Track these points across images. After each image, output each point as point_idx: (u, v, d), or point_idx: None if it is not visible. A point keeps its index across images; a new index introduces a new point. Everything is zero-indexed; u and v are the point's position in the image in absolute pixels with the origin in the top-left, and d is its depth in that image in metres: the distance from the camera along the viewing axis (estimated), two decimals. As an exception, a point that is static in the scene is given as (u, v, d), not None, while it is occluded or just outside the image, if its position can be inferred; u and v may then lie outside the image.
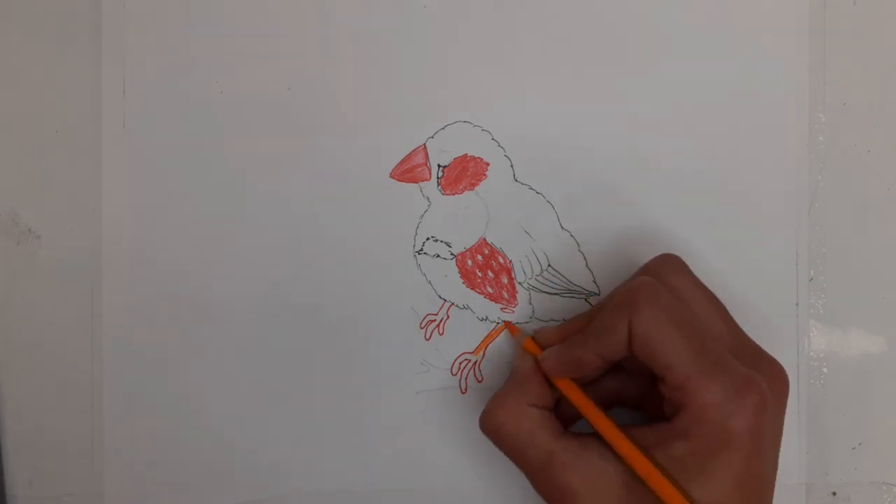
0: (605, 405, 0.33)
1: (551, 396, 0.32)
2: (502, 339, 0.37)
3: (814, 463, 0.37)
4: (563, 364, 0.31)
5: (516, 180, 0.36)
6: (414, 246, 0.36)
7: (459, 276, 0.36)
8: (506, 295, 0.36)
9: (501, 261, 0.36)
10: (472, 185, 0.36)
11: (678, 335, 0.28)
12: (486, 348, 0.36)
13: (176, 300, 0.36)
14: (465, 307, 0.36)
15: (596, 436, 0.30)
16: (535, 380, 0.32)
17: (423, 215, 0.36)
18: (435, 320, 0.36)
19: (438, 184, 0.36)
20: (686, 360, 0.28)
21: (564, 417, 0.32)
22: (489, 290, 0.36)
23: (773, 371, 0.30)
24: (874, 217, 0.37)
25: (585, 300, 0.36)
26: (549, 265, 0.36)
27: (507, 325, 0.36)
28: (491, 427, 0.31)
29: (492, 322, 0.36)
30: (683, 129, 0.36)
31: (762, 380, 0.29)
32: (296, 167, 0.36)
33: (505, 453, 0.31)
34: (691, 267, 0.33)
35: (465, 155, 0.36)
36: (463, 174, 0.36)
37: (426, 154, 0.36)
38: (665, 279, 0.31)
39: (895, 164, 0.37)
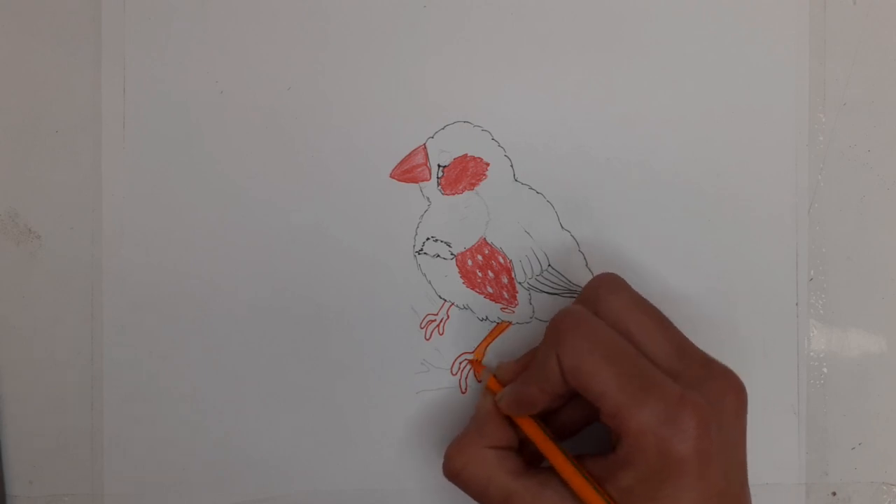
0: (581, 424, 0.33)
1: (513, 435, 0.32)
2: (502, 339, 0.37)
3: (814, 463, 0.37)
4: (517, 403, 0.31)
5: (516, 180, 0.36)
6: (414, 246, 0.36)
7: (459, 276, 0.36)
8: (506, 295, 0.36)
9: (501, 261, 0.36)
10: (472, 185, 0.36)
11: (604, 363, 0.28)
12: (486, 348, 0.36)
13: (176, 300, 0.36)
14: (465, 307, 0.36)
15: (556, 472, 0.30)
16: (494, 421, 0.32)
17: (423, 215, 0.36)
18: (435, 320, 0.36)
19: (438, 184, 0.36)
20: (614, 387, 0.28)
21: (535, 452, 0.32)
22: (489, 290, 0.36)
23: (724, 382, 0.29)
24: (874, 217, 0.37)
25: (585, 300, 0.36)
26: (549, 265, 0.36)
27: (472, 363, 0.36)
28: (452, 472, 0.31)
29: (492, 322, 0.36)
30: (683, 128, 0.36)
31: (700, 396, 0.28)
32: (296, 167, 0.36)
33: (469, 496, 0.31)
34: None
35: (465, 155, 0.36)
36: (463, 174, 0.36)
37: (426, 154, 0.36)
38: (601, 301, 0.31)
39: (895, 164, 0.37)
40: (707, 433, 0.27)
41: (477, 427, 0.32)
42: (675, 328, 0.31)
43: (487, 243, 0.36)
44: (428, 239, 0.36)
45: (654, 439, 0.27)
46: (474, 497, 0.31)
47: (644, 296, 0.32)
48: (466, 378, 0.36)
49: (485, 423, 0.32)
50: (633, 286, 0.32)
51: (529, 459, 0.32)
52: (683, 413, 0.27)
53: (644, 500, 0.28)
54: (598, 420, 0.33)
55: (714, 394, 0.28)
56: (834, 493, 0.37)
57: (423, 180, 0.36)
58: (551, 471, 0.31)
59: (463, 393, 0.36)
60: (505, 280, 0.36)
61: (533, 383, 0.30)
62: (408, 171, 0.36)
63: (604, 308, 0.31)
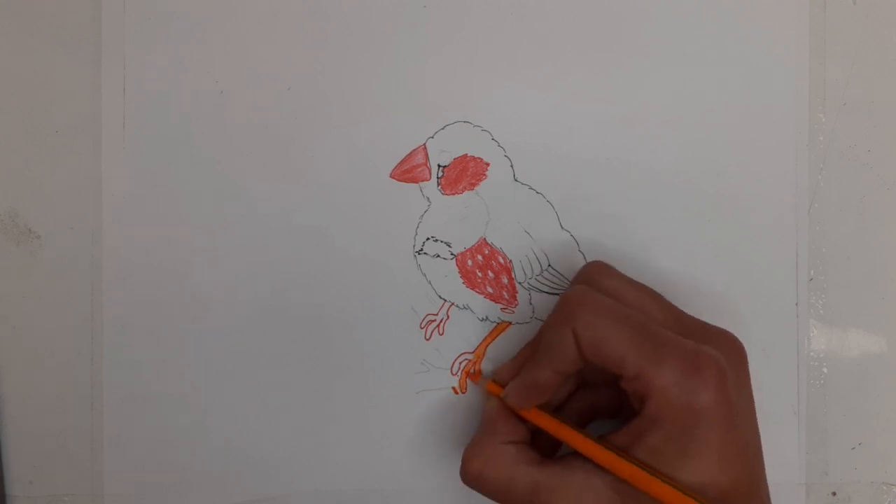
0: (582, 422, 0.33)
1: (525, 430, 0.32)
2: (502, 339, 0.37)
3: (814, 463, 0.37)
4: (525, 393, 0.31)
5: (516, 180, 0.36)
6: (414, 246, 0.36)
7: (459, 276, 0.36)
8: (506, 295, 0.36)
9: (501, 261, 0.36)
10: (472, 185, 0.36)
11: (621, 329, 0.29)
12: (486, 348, 0.36)
13: (176, 300, 0.36)
14: (465, 307, 0.36)
15: (578, 454, 0.30)
16: (503, 419, 0.32)
17: (423, 215, 0.36)
18: (435, 320, 0.36)
19: (438, 184, 0.36)
20: (634, 350, 0.28)
21: (547, 446, 0.32)
22: (489, 290, 0.36)
23: (725, 341, 0.30)
24: (874, 217, 0.37)
25: (585, 300, 0.36)
26: (549, 265, 0.36)
27: (468, 374, 0.36)
28: (472, 476, 0.31)
29: (492, 322, 0.36)
30: (684, 129, 0.36)
31: (714, 350, 0.29)
32: (296, 167, 0.36)
33: (493, 499, 0.31)
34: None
35: (465, 155, 0.36)
36: (463, 174, 0.36)
37: (426, 154, 0.36)
38: (597, 283, 0.31)
39: (895, 164, 0.37)
40: (725, 383, 0.28)
41: (488, 427, 0.32)
42: (667, 301, 0.32)
43: (487, 243, 0.36)
44: (428, 239, 0.36)
45: (679, 394, 0.28)
46: (497, 497, 0.31)
47: None
48: (466, 377, 0.36)
49: (495, 423, 0.32)
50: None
51: (543, 452, 0.32)
52: (702, 364, 0.28)
53: (673, 457, 0.28)
54: (600, 417, 0.33)
55: (721, 351, 0.29)
56: (834, 493, 0.37)
57: (423, 180, 0.36)
58: (572, 455, 0.30)
59: (462, 393, 0.36)
60: (505, 280, 0.36)
61: (544, 366, 0.30)
62: (408, 171, 0.36)
63: (600, 289, 0.31)
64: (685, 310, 0.32)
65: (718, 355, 0.28)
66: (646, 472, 0.28)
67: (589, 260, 0.36)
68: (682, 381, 0.28)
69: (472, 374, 0.36)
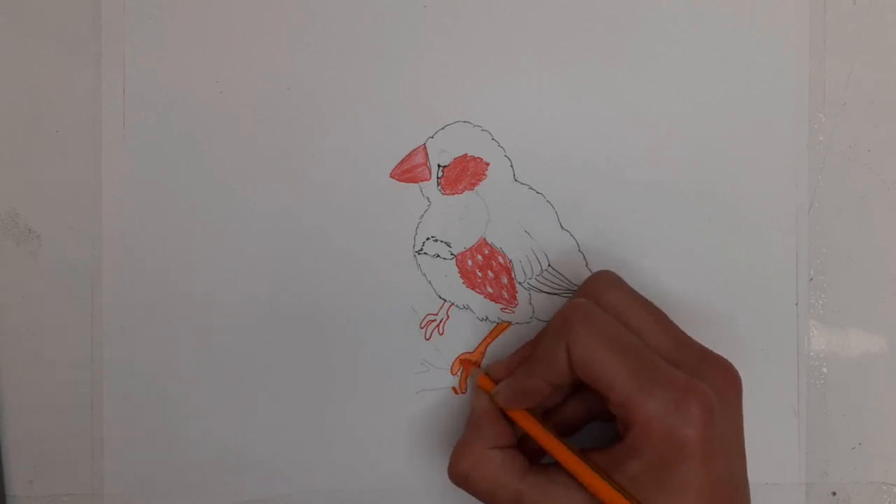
0: (578, 423, 0.33)
1: (512, 434, 0.32)
2: (502, 339, 0.37)
3: (814, 463, 0.37)
4: (515, 396, 0.31)
5: (516, 180, 0.36)
6: (414, 246, 0.36)
7: (459, 276, 0.36)
8: (506, 295, 0.36)
9: (501, 261, 0.36)
10: (472, 185, 0.36)
11: (614, 353, 0.29)
12: (486, 348, 0.36)
13: (176, 300, 0.36)
14: (465, 307, 0.36)
15: (561, 466, 0.30)
16: (492, 419, 0.32)
17: (423, 215, 0.36)
18: (435, 320, 0.36)
19: (438, 184, 0.36)
20: (624, 376, 0.28)
21: (534, 449, 0.32)
22: (489, 290, 0.36)
23: (721, 371, 0.30)
24: (874, 217, 0.37)
25: (585, 300, 0.36)
26: (549, 265, 0.36)
27: (463, 362, 0.36)
28: (460, 477, 0.31)
29: (492, 322, 0.36)
30: (684, 128, 0.36)
31: (705, 385, 0.28)
32: (295, 167, 0.36)
33: (477, 499, 0.31)
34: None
35: (465, 155, 0.36)
36: (463, 174, 0.36)
37: (426, 154, 0.36)
38: (601, 296, 0.31)
39: (895, 164, 0.37)
40: (712, 420, 0.28)
41: (475, 428, 0.32)
42: (671, 321, 0.32)
43: (487, 243, 0.36)
44: (428, 239, 0.36)
45: (663, 426, 0.28)
46: (482, 499, 0.31)
47: (644, 295, 0.32)
48: (466, 378, 0.36)
49: (482, 423, 0.32)
50: (634, 286, 0.32)
51: (530, 456, 0.32)
52: (690, 400, 0.28)
53: (652, 488, 0.28)
54: (598, 419, 0.33)
55: (714, 383, 0.29)
56: (834, 493, 0.37)
57: (423, 180, 0.36)
58: (556, 466, 0.31)
59: (462, 393, 0.36)
60: (505, 280, 0.36)
61: (536, 374, 0.30)
62: (408, 171, 0.36)
63: (604, 303, 0.31)
64: (686, 311, 0.32)
65: (709, 392, 0.28)
66: (626, 499, 0.28)
67: (589, 260, 0.36)
68: (667, 414, 0.28)
69: (466, 362, 0.36)
